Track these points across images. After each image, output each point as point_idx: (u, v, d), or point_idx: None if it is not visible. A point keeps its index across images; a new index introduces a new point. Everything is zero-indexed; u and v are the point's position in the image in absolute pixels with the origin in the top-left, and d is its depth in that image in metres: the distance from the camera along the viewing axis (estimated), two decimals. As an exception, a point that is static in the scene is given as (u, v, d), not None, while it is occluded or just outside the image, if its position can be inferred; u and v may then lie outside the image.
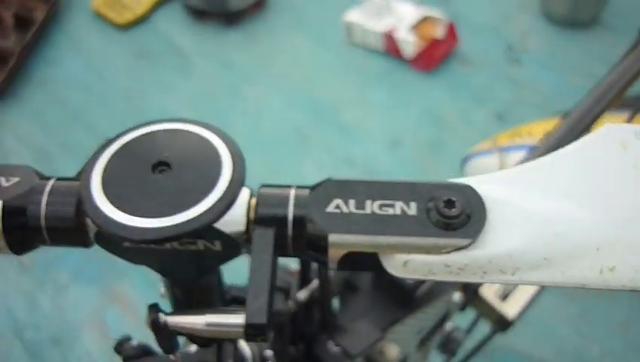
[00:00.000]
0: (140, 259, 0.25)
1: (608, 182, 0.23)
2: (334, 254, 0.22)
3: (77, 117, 0.99)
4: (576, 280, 0.21)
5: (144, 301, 0.75)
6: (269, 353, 0.37)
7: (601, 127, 0.24)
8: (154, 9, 1.14)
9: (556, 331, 0.73)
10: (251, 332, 0.22)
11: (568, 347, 0.71)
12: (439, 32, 1.01)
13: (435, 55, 1.01)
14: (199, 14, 1.12)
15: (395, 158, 0.91)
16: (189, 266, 0.25)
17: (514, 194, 0.22)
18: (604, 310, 0.74)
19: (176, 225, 0.22)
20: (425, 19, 1.04)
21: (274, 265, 0.23)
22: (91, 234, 0.24)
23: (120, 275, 0.81)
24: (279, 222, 0.23)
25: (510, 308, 0.57)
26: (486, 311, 0.57)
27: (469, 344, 0.57)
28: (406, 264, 0.21)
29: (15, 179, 0.24)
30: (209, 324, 0.24)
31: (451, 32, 1.03)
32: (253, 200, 0.23)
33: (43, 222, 0.23)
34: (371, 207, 0.22)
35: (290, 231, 0.23)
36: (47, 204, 0.23)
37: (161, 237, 0.22)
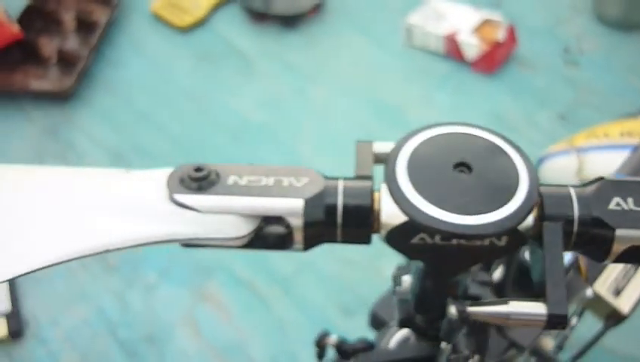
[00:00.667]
0: (422, 255, 0.26)
1: None
2: (617, 248, 0.25)
3: (146, 118, 1.01)
4: None
5: (233, 300, 0.78)
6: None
7: None
8: (212, 12, 1.15)
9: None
10: (554, 321, 0.24)
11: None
12: (500, 34, 1.03)
13: (497, 57, 1.03)
14: (257, 17, 1.13)
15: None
16: (467, 260, 0.27)
17: None
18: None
19: (495, 223, 0.24)
20: (485, 23, 1.06)
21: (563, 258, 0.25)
22: (382, 231, 0.25)
23: (207, 275, 0.83)
24: (566, 218, 0.25)
25: (624, 303, 0.59)
26: (599, 306, 0.59)
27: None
28: None
29: (305, 180, 0.26)
30: (511, 314, 0.25)
31: (511, 35, 1.05)
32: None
33: (340, 219, 0.25)
34: None
35: (576, 227, 0.25)
36: (344, 202, 0.25)
37: (483, 234, 0.24)
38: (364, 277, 0.82)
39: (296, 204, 0.25)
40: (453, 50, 1.05)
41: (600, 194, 0.25)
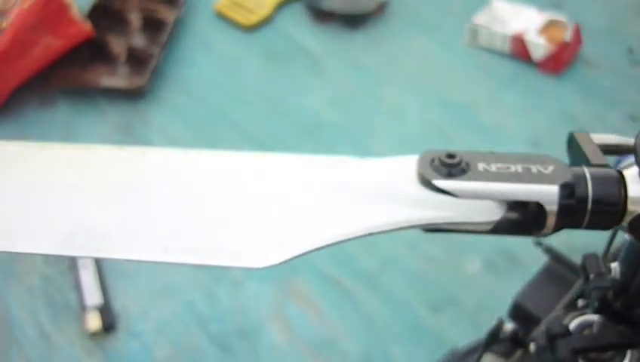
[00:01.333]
0: None
1: None
2: None
3: (219, 116, 1.02)
4: None
5: (320, 296, 0.79)
6: None
7: None
8: (276, 11, 1.17)
9: None
10: None
11: None
12: (567, 35, 1.04)
13: (564, 58, 1.04)
14: (322, 16, 1.14)
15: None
16: None
17: None
18: None
19: None
20: (550, 23, 1.07)
21: None
22: (627, 218, 0.26)
23: (292, 271, 0.84)
24: None
25: None
26: None
27: None
28: None
29: (551, 167, 0.27)
30: None
31: (577, 35, 1.06)
32: None
33: (589, 206, 0.26)
34: None
35: None
36: (594, 189, 0.26)
37: None
38: (448, 274, 0.83)
39: (552, 190, 0.26)
40: (519, 51, 1.06)
41: None
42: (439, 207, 0.27)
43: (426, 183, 0.27)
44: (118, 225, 0.27)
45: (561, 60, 1.04)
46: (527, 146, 0.96)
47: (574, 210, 0.26)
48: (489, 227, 0.27)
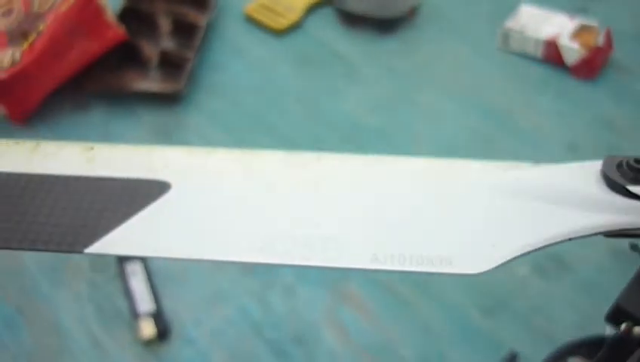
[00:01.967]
0: None
1: None
2: None
3: (256, 120, 1.02)
4: None
5: (373, 300, 0.79)
6: None
7: None
8: (306, 15, 1.16)
9: None
10: None
11: None
12: (599, 39, 1.05)
13: (597, 62, 1.06)
14: (352, 20, 1.14)
15: (576, 161, 0.95)
16: None
17: None
18: None
19: None
20: (582, 28, 1.08)
21: None
22: None
23: (343, 276, 0.84)
24: None
25: None
26: None
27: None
28: None
29: None
30: None
31: (608, 40, 1.07)
32: None
33: None
34: None
35: None
36: None
37: None
38: (498, 278, 0.84)
39: None
40: (552, 55, 1.07)
41: None
42: (632, 212, 0.27)
43: (618, 188, 0.27)
44: (319, 232, 0.27)
45: (594, 65, 1.05)
46: (564, 150, 0.97)
47: None
48: None
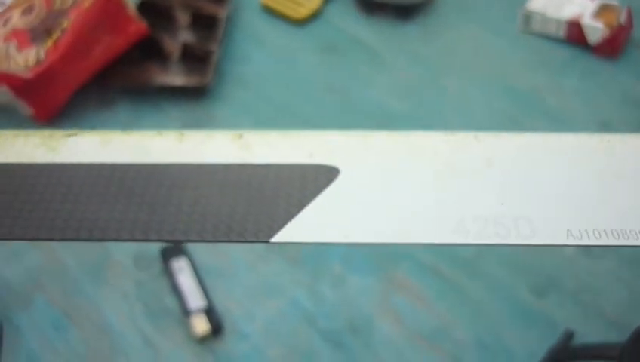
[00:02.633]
0: None
1: None
2: None
3: (287, 111, 1.01)
4: None
5: (423, 285, 0.79)
6: None
7: None
8: (324, 3, 1.16)
9: None
10: None
11: None
12: (621, 18, 1.06)
13: (620, 41, 1.06)
14: (372, 7, 1.14)
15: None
16: None
17: None
18: None
19: None
20: (603, 7, 1.08)
21: None
22: None
23: (390, 263, 0.83)
24: None
25: None
26: None
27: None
28: None
29: None
30: None
31: (629, 19, 1.08)
32: None
33: None
34: None
35: None
36: None
37: None
38: (547, 258, 0.84)
39: None
40: (575, 35, 1.08)
41: None
42: None
43: None
44: (507, 210, 0.26)
45: (617, 43, 1.06)
46: (596, 128, 0.97)
47: None
48: None
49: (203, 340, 0.77)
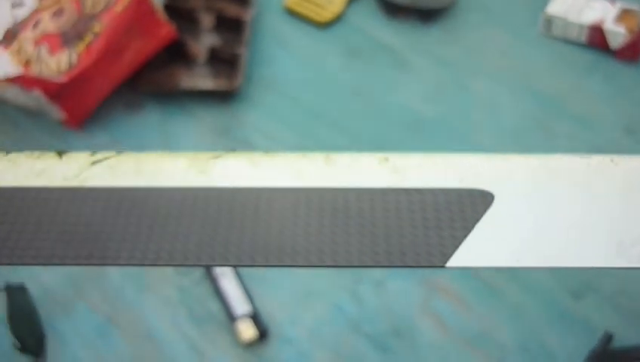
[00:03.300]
0: None
1: None
2: None
3: (315, 114, 1.01)
4: None
5: (463, 289, 0.80)
6: None
7: None
8: (347, 6, 1.16)
9: None
10: None
11: None
12: (642, 23, 1.08)
13: (640, 45, 1.08)
14: (394, 11, 1.14)
15: (636, 143, 0.98)
16: None
17: None
18: None
19: None
20: (623, 12, 1.10)
21: None
22: None
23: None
24: None
25: None
26: None
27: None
28: None
29: None
30: None
31: (649, 24, 1.10)
32: None
33: None
34: None
35: None
36: None
37: None
38: (580, 261, 0.85)
39: None
40: (597, 40, 1.09)
41: None
42: None
43: None
44: None
45: (638, 48, 1.08)
46: (623, 133, 0.99)
47: None
48: None
49: (249, 345, 0.77)
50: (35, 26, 0.95)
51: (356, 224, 0.28)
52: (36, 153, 0.31)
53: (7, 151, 0.32)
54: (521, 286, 0.83)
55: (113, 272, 0.84)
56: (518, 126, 1.00)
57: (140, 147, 0.97)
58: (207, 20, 1.11)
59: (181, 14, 1.10)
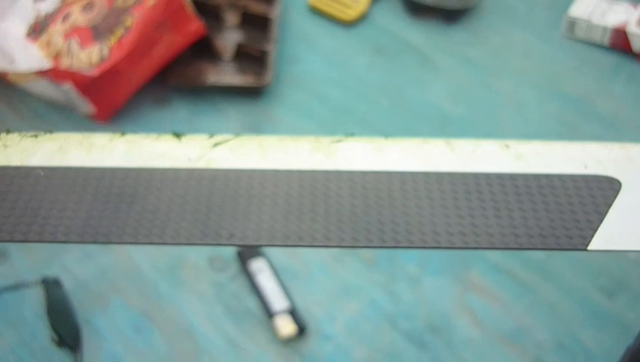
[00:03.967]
0: None
1: None
2: None
3: (345, 112, 1.01)
4: None
5: (498, 287, 0.81)
6: None
7: None
8: (371, 4, 1.16)
9: None
10: None
11: None
12: (664, 27, 1.09)
13: (663, 48, 1.09)
14: (419, 10, 1.15)
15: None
16: None
17: None
18: None
19: None
20: (645, 15, 1.11)
21: None
22: None
23: (464, 265, 0.85)
24: None
25: None
26: None
27: None
28: None
29: None
30: None
31: (671, 27, 1.11)
32: None
33: None
34: None
35: None
36: None
37: None
38: (612, 261, 0.86)
39: None
40: (620, 42, 1.10)
41: None
42: None
43: None
44: None
45: (661, 51, 1.09)
46: (647, 134, 1.00)
47: None
48: None
49: (288, 341, 0.77)
50: (65, 19, 0.94)
51: (491, 207, 0.28)
52: (153, 135, 0.31)
53: (123, 132, 0.32)
54: (555, 285, 0.83)
55: (147, 267, 0.83)
56: (544, 126, 1.01)
57: (169, 142, 0.96)
58: (232, 17, 1.11)
59: (206, 11, 1.10)
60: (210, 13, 1.10)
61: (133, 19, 0.92)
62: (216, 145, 0.31)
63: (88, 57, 0.91)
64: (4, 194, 0.28)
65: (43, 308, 0.77)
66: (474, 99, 1.04)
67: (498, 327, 0.80)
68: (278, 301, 0.79)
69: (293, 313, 0.78)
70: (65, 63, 0.91)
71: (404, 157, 0.31)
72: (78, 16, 0.94)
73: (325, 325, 0.79)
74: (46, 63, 0.91)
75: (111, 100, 0.94)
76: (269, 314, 0.78)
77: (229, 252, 0.84)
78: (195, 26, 0.99)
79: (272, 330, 0.78)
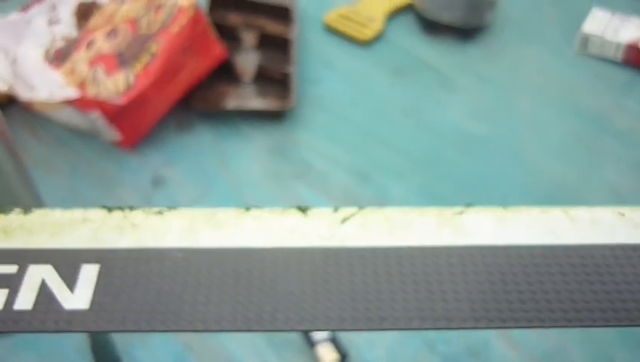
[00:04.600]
0: None
1: None
2: None
3: (368, 133, 1.02)
4: None
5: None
6: None
7: None
8: (386, 24, 1.17)
9: None
10: None
11: None
12: (676, 42, 1.11)
13: (675, 64, 1.12)
14: (434, 29, 1.16)
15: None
16: None
17: None
18: None
19: None
20: (656, 31, 1.14)
21: None
22: None
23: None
24: None
25: None
26: None
27: None
28: None
29: None
30: None
31: (681, 43, 1.13)
32: None
33: None
34: None
35: None
36: None
37: None
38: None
39: None
40: (633, 58, 1.12)
41: None
42: None
43: None
44: None
45: (673, 66, 1.11)
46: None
47: None
48: None
49: (331, 369, 0.78)
50: (89, 46, 0.93)
51: (614, 282, 0.29)
52: (278, 209, 0.32)
53: (247, 208, 0.32)
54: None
55: (183, 297, 0.83)
56: (563, 143, 1.03)
57: (196, 169, 0.96)
58: (249, 38, 1.11)
59: (223, 32, 1.10)
60: (227, 35, 1.10)
61: (158, 46, 0.92)
62: (344, 220, 0.31)
63: (115, 85, 0.91)
64: (146, 277, 0.29)
65: (85, 341, 0.77)
66: (494, 117, 1.06)
67: (533, 349, 0.81)
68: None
69: (334, 341, 0.79)
70: (91, 92, 0.91)
71: (526, 229, 0.32)
72: (103, 43, 0.94)
73: (366, 351, 0.80)
74: (71, 92, 0.91)
75: (137, 127, 0.94)
76: (310, 343, 0.79)
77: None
78: (219, 49, 0.99)
79: (314, 359, 0.78)
